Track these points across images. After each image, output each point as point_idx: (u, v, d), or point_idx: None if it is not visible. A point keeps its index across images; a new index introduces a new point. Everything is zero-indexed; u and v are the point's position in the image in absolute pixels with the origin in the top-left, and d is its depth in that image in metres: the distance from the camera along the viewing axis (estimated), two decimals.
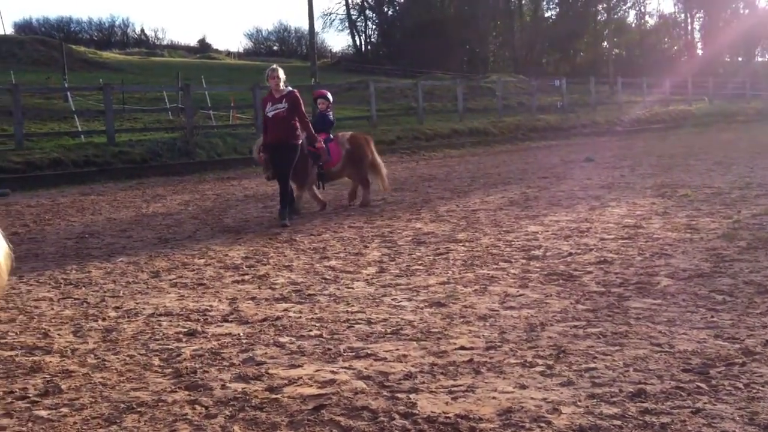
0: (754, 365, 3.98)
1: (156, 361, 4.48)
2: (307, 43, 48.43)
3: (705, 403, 3.51)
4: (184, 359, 4.49)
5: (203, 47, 79.88)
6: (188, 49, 78.23)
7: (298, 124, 9.83)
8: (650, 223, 8.67)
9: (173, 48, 77.77)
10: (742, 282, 5.78)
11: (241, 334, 4.96)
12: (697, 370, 3.95)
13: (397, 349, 4.53)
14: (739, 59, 67.60)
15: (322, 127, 10.91)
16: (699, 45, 68.19)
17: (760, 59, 67.07)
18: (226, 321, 5.34)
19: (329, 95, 11.50)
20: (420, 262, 7.14)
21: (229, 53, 79.37)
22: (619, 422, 3.33)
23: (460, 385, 3.88)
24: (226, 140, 19.94)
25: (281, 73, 9.85)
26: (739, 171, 13.92)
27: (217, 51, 79.22)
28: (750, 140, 23.17)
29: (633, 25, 70.46)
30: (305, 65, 46.02)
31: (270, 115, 9.76)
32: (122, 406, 3.78)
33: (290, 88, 9.98)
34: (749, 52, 66.11)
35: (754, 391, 3.62)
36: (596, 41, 67.08)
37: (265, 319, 5.32)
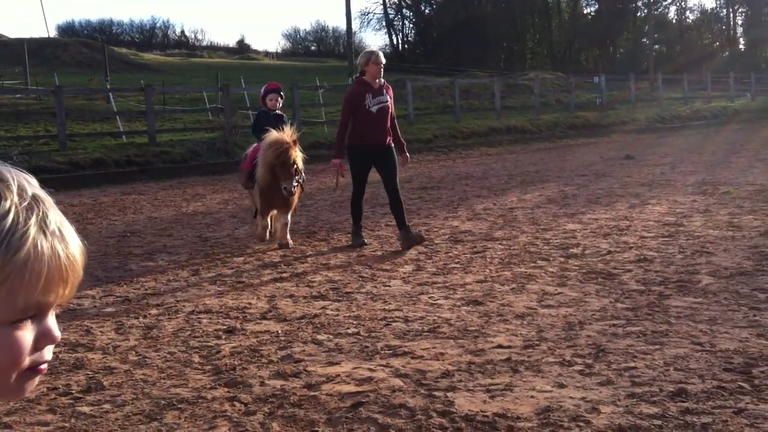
0: None
1: (196, 358, 4.54)
2: (345, 43, 48.60)
3: (747, 403, 3.46)
4: (224, 356, 4.55)
5: (242, 48, 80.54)
6: (227, 50, 78.95)
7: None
8: (691, 220, 8.55)
9: (213, 49, 78.57)
10: None
11: (280, 332, 5.01)
12: (739, 369, 3.89)
13: (435, 348, 4.53)
14: None
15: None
16: (741, 40, 66.97)
17: None
18: (265, 318, 5.39)
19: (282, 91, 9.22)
20: (457, 260, 7.13)
21: (267, 54, 79.91)
22: (659, 422, 3.30)
23: (498, 384, 3.87)
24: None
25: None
26: None
27: (255, 51, 79.78)
28: None
29: (673, 20, 69.46)
30: (342, 65, 46.21)
31: (374, 109, 7.87)
32: (163, 402, 3.83)
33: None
34: None
35: None
36: (636, 37, 66.25)
37: (303, 317, 5.36)
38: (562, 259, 6.88)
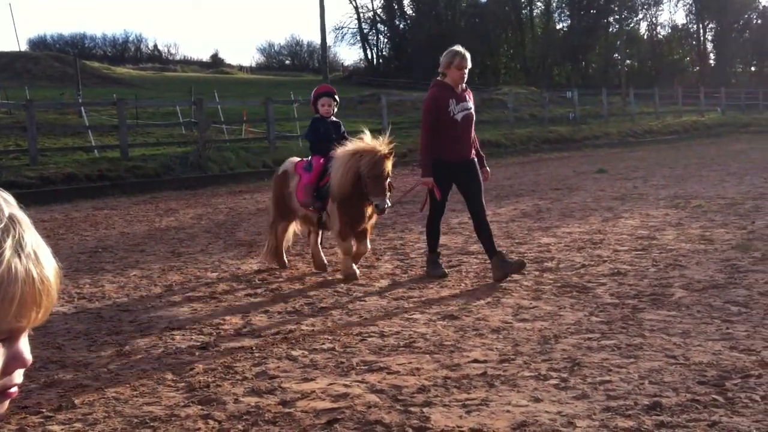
0: None
1: (169, 376, 4.48)
2: (319, 57, 48.64)
3: (721, 415, 3.48)
4: (197, 373, 4.50)
5: (216, 62, 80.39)
6: (201, 64, 78.79)
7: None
8: (664, 234, 8.62)
9: (186, 63, 78.36)
10: (757, 293, 5.74)
11: (254, 348, 4.96)
12: (713, 382, 3.92)
13: (410, 363, 4.51)
14: (752, 69, 67.31)
15: (328, 145, 7.16)
16: (711, 55, 68.00)
17: None
18: (239, 334, 5.34)
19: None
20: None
21: (241, 68, 79.78)
22: None
23: (474, 399, 3.86)
24: (239, 154, 20.01)
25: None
26: (753, 181, 13.83)
27: (229, 66, 79.66)
28: (763, 150, 23.02)
29: (645, 36, 70.36)
30: (317, 79, 46.24)
31: (459, 117, 6.85)
32: (135, 420, 3.78)
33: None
34: (761, 61, 65.82)
35: None
36: (608, 52, 67.02)
37: (277, 333, 5.32)
38: (536, 273, 6.91)
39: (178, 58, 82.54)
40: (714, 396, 3.72)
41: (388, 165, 6.77)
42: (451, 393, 3.97)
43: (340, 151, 6.88)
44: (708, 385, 3.88)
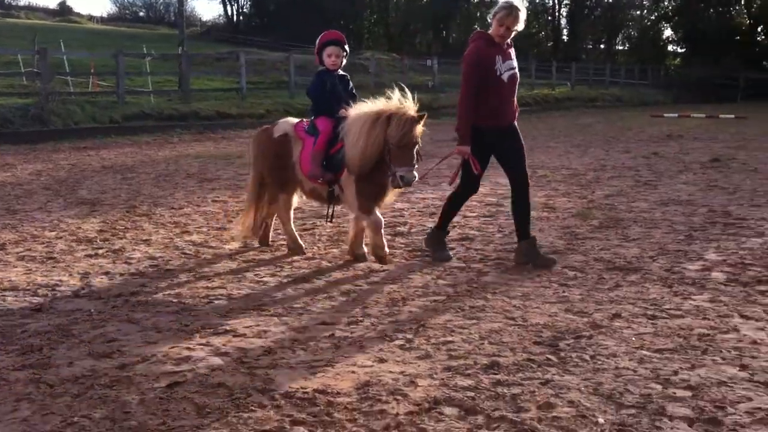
0: (600, 338, 4.17)
1: None
2: (176, 11, 46.81)
3: (554, 374, 3.65)
4: (30, 336, 4.26)
5: (63, 10, 75.77)
6: (47, 12, 74.04)
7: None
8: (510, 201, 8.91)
9: (31, 9, 73.41)
10: (592, 259, 6.06)
11: (93, 310, 4.75)
12: (547, 342, 4.11)
13: (258, 325, 4.46)
14: (601, 46, 70.60)
15: (337, 104, 6.21)
16: (564, 31, 70.69)
17: (620, 47, 70.31)
18: (77, 296, 5.09)
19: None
20: (285, 237, 7.05)
21: (91, 17, 75.60)
22: (472, 393, 3.41)
23: (320, 360, 3.87)
24: (85, 108, 19.00)
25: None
26: (595, 154, 14.57)
27: (78, 14, 75.30)
28: (607, 124, 24.31)
29: None
30: (173, 33, 44.50)
31: (505, 77, 5.95)
32: None
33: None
34: (610, 39, 69.14)
35: (599, 362, 3.80)
36: (468, 23, 68.29)
37: (119, 295, 5.11)
38: (389, 237, 6.97)
39: (21, 3, 77.19)
40: (548, 356, 3.90)
41: (419, 131, 5.91)
42: (297, 355, 3.96)
43: (357, 114, 5.91)
44: (543, 345, 4.06)
